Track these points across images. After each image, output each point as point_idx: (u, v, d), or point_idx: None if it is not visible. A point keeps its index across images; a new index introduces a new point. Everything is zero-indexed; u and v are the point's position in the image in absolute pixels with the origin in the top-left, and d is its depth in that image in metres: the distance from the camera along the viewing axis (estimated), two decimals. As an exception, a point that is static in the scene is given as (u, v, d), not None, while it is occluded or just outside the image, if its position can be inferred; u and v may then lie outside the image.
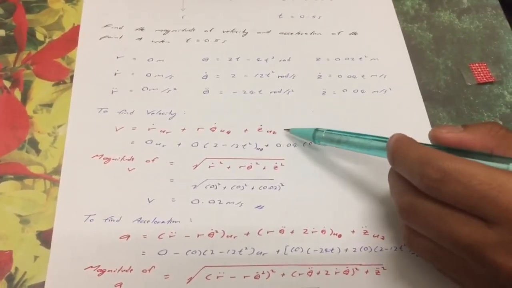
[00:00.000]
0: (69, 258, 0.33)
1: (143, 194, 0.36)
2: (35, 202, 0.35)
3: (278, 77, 0.42)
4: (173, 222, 0.35)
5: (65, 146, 0.37)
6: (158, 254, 0.34)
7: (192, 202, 0.36)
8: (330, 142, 0.36)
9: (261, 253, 0.34)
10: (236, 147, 0.38)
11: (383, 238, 0.35)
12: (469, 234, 0.26)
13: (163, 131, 0.39)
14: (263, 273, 0.34)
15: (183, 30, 0.44)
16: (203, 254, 0.34)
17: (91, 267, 0.33)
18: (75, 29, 0.43)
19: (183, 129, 0.39)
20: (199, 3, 0.46)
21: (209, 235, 0.35)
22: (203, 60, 0.43)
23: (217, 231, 0.35)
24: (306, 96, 0.42)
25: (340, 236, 0.35)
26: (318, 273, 0.34)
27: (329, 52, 0.44)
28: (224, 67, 0.43)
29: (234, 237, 0.35)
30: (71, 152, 0.37)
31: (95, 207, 0.35)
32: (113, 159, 0.37)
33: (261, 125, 0.40)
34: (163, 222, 0.35)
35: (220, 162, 0.38)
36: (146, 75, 0.41)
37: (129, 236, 0.34)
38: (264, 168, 0.38)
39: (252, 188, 0.37)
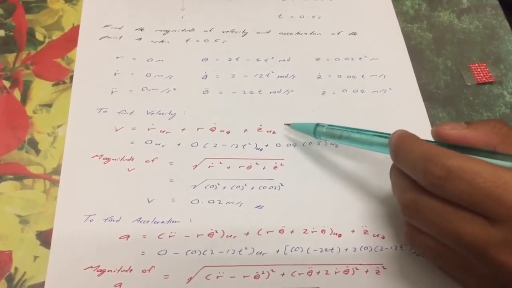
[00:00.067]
0: (69, 258, 0.33)
1: (142, 194, 0.36)
2: (35, 202, 0.35)
3: (278, 77, 0.42)
4: (172, 222, 0.35)
5: (65, 146, 0.37)
6: (158, 254, 0.34)
7: (191, 202, 0.36)
8: (331, 137, 0.36)
9: (261, 253, 0.34)
10: (236, 147, 0.38)
11: (383, 238, 0.35)
12: (472, 232, 0.26)
13: (163, 131, 0.39)
14: (263, 273, 0.34)
15: (182, 30, 0.44)
16: (203, 254, 0.34)
17: (91, 267, 0.33)
18: (75, 29, 0.43)
19: (182, 129, 0.39)
20: (199, 3, 0.46)
21: (208, 235, 0.35)
22: (202, 60, 0.43)
23: (216, 231, 0.35)
24: (306, 96, 0.42)
25: (340, 235, 0.35)
26: (318, 272, 0.34)
27: (328, 52, 0.44)
28: (224, 67, 0.43)
29: (233, 237, 0.35)
30: (70, 152, 0.37)
31: (95, 207, 0.35)
32: (112, 159, 0.37)
33: (260, 125, 0.40)
34: (162, 222, 0.35)
35: (220, 162, 0.38)
36: (146, 75, 0.41)
37: (128, 236, 0.34)
38: (264, 168, 0.38)
39: (252, 188, 0.37)
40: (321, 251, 0.35)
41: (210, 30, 0.45)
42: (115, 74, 0.41)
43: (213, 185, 0.37)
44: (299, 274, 0.34)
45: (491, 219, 0.25)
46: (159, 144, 0.38)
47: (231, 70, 0.42)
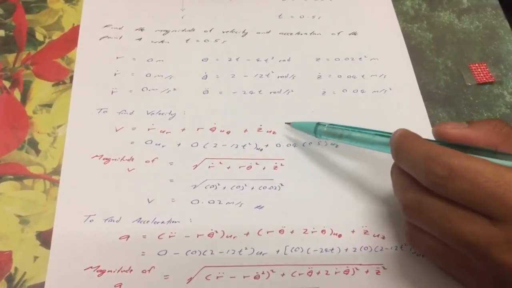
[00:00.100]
0: (69, 258, 0.33)
1: (143, 195, 0.36)
2: (35, 202, 0.35)
3: (278, 77, 0.42)
4: (173, 222, 0.35)
5: (65, 146, 0.37)
6: (158, 254, 0.34)
7: (192, 202, 0.36)
8: (331, 136, 0.36)
9: (261, 253, 0.34)
10: (236, 147, 0.38)
11: (383, 238, 0.35)
12: (474, 231, 0.26)
13: (163, 132, 0.39)
14: (263, 273, 0.34)
15: (183, 31, 0.44)
16: (203, 254, 0.34)
17: (91, 267, 0.33)
18: (75, 29, 0.43)
19: (182, 129, 0.39)
20: (199, 3, 0.46)
21: (209, 235, 0.35)
22: (202, 60, 0.43)
23: (217, 231, 0.35)
24: (306, 96, 0.42)
25: (340, 236, 0.35)
26: (318, 273, 0.34)
27: (329, 52, 0.44)
28: (224, 67, 0.43)
29: (234, 237, 0.35)
30: (70, 153, 0.37)
31: (95, 207, 0.35)
32: (113, 160, 0.37)
33: (260, 125, 0.40)
34: (163, 222, 0.35)
35: (220, 162, 0.38)
36: (146, 76, 0.41)
37: (129, 237, 0.34)
38: (264, 168, 0.38)
39: (252, 188, 0.37)
40: (321, 251, 0.35)
41: (210, 30, 0.45)
42: (115, 74, 0.41)
43: (213, 185, 0.37)
44: (299, 274, 0.34)
45: (493, 218, 0.25)
46: (159, 144, 0.38)
47: (231, 70, 0.42)
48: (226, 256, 0.34)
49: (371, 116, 0.41)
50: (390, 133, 0.32)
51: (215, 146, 0.38)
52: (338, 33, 0.46)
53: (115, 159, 0.37)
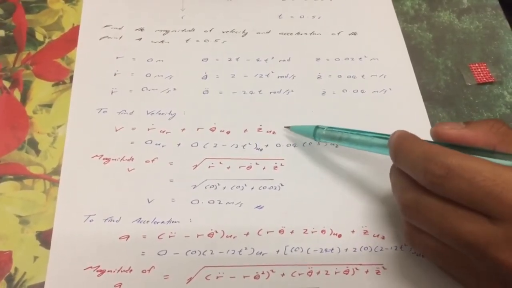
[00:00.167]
0: (68, 258, 0.33)
1: (142, 195, 0.36)
2: (35, 202, 0.35)
3: (278, 77, 0.42)
4: (172, 222, 0.35)
5: (65, 146, 0.37)
6: (158, 254, 0.34)
7: (191, 202, 0.36)
8: (331, 139, 0.36)
9: (261, 253, 0.34)
10: (236, 147, 0.38)
11: (383, 238, 0.35)
12: (473, 230, 0.26)
13: (163, 131, 0.39)
14: (263, 273, 0.34)
15: (182, 31, 0.44)
16: (203, 254, 0.34)
17: (91, 267, 0.33)
18: (75, 30, 0.43)
19: (182, 129, 0.39)
20: (199, 3, 0.46)
21: (208, 235, 0.35)
22: (202, 60, 0.43)
23: (216, 231, 0.35)
24: (306, 96, 0.42)
25: (340, 236, 0.35)
26: (318, 273, 0.34)
27: (329, 52, 0.44)
28: (224, 67, 0.43)
29: (233, 237, 0.35)
30: (70, 153, 0.37)
31: (94, 207, 0.35)
32: (112, 160, 0.37)
33: (260, 125, 0.40)
34: (162, 222, 0.35)
35: (220, 162, 0.38)
36: (146, 76, 0.41)
37: (128, 237, 0.34)
38: (264, 168, 0.38)
39: (252, 188, 0.37)
40: (321, 251, 0.35)
41: (210, 30, 0.45)
42: (115, 74, 0.41)
43: (213, 185, 0.37)
44: (299, 274, 0.34)
45: (491, 217, 0.25)
46: (159, 144, 0.38)
47: (231, 70, 0.42)
48: (226, 256, 0.34)
49: (371, 116, 0.41)
50: (388, 135, 0.32)
51: (215, 146, 0.38)
52: (338, 33, 0.46)
53: (115, 159, 0.37)
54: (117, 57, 0.42)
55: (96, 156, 0.37)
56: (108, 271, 0.33)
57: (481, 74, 0.44)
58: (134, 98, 0.40)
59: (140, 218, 0.35)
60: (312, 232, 0.35)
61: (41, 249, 0.34)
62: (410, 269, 0.34)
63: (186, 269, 0.33)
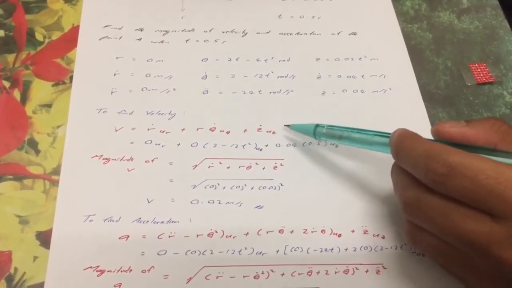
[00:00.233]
0: (68, 258, 0.33)
1: (142, 194, 0.36)
2: (35, 202, 0.35)
3: (278, 77, 0.42)
4: (172, 222, 0.35)
5: (65, 146, 0.37)
6: (158, 254, 0.34)
7: (191, 202, 0.36)
8: (331, 138, 0.36)
9: (260, 253, 0.34)
10: (236, 147, 0.38)
11: (383, 238, 0.35)
12: (475, 229, 0.26)
13: (163, 132, 0.39)
14: (262, 273, 0.34)
15: (182, 31, 0.44)
16: (203, 254, 0.34)
17: (91, 267, 0.33)
18: (75, 30, 0.43)
19: (182, 129, 0.39)
20: (199, 3, 0.46)
21: (208, 235, 0.35)
22: (202, 60, 0.43)
23: (216, 231, 0.35)
24: (306, 96, 0.42)
25: (340, 235, 0.35)
26: (318, 272, 0.34)
27: (328, 52, 0.44)
28: (224, 67, 0.43)
29: (233, 237, 0.35)
30: (70, 153, 0.37)
31: (94, 207, 0.35)
32: (112, 160, 0.37)
33: (260, 125, 0.40)
34: (162, 222, 0.35)
35: (220, 162, 0.38)
36: (146, 76, 0.41)
37: (128, 237, 0.34)
38: (263, 168, 0.38)
39: (252, 188, 0.37)
40: (321, 251, 0.35)
41: (210, 30, 0.45)
42: (115, 75, 0.41)
43: (213, 185, 0.37)
44: (299, 274, 0.34)
45: (494, 216, 0.25)
46: (159, 144, 0.38)
47: (231, 70, 0.42)
48: (225, 256, 0.34)
49: (371, 116, 0.41)
50: (389, 134, 0.32)
51: (214, 146, 0.38)
52: (338, 33, 0.46)
53: (115, 159, 0.37)
54: (117, 57, 0.42)
55: (96, 156, 0.37)
56: (108, 271, 0.33)
57: (481, 74, 0.44)
58: (134, 98, 0.40)
59: (140, 218, 0.35)
60: (312, 232, 0.35)
61: (41, 249, 0.34)
62: (410, 268, 0.34)
63: (185, 269, 0.33)
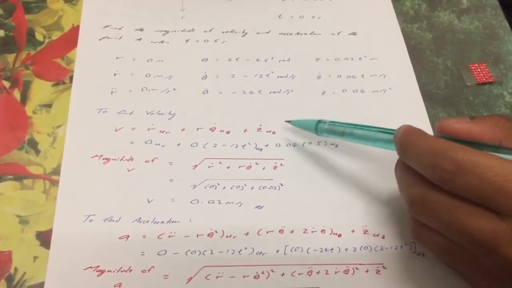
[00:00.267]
0: (68, 258, 0.33)
1: (142, 194, 0.36)
2: (35, 202, 0.35)
3: (278, 77, 0.42)
4: (172, 222, 0.35)
5: (65, 146, 0.37)
6: (158, 254, 0.34)
7: (191, 202, 0.36)
8: (333, 134, 0.36)
9: (260, 253, 0.34)
10: (236, 147, 0.38)
11: (383, 237, 0.35)
12: (481, 227, 0.26)
13: (163, 131, 0.39)
14: (262, 273, 0.34)
15: (182, 31, 0.44)
16: (203, 254, 0.34)
17: (91, 267, 0.33)
18: (75, 30, 0.43)
19: (182, 129, 0.39)
20: (199, 3, 0.46)
21: (208, 235, 0.35)
22: (202, 60, 0.43)
23: (216, 231, 0.35)
24: (306, 96, 0.42)
25: (340, 235, 0.35)
26: (318, 272, 0.34)
27: (328, 52, 0.44)
28: (224, 67, 0.43)
29: (233, 237, 0.35)
30: (70, 153, 0.37)
31: (94, 207, 0.35)
32: (112, 160, 0.37)
33: (260, 125, 0.40)
34: (162, 222, 0.35)
35: (220, 162, 0.38)
36: (146, 76, 0.41)
37: (128, 237, 0.34)
38: (263, 168, 0.38)
39: (252, 188, 0.37)
40: (321, 251, 0.35)
41: (210, 30, 0.45)
42: (115, 75, 0.41)
43: (213, 185, 0.37)
44: (299, 274, 0.34)
45: (501, 213, 0.25)
46: (159, 144, 0.38)
47: (231, 70, 0.42)
48: (225, 256, 0.34)
49: (371, 116, 0.41)
50: (393, 130, 0.32)
51: (214, 146, 0.38)
52: (338, 33, 0.46)
53: (115, 159, 0.37)
54: (117, 57, 0.42)
55: (96, 156, 0.37)
56: (108, 271, 0.33)
57: (481, 74, 0.44)
58: (134, 98, 0.40)
59: (140, 218, 0.35)
60: (312, 232, 0.35)
61: (41, 249, 0.34)
62: (410, 268, 0.34)
63: (186, 269, 0.33)
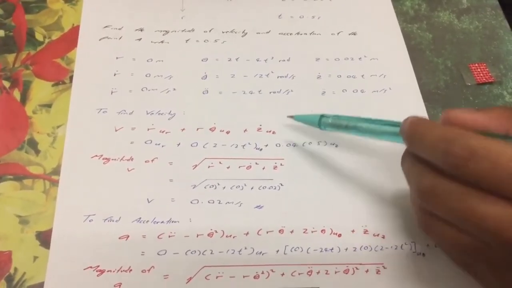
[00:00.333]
0: (68, 258, 0.33)
1: (142, 194, 0.36)
2: (35, 202, 0.35)
3: (278, 77, 0.42)
4: (172, 222, 0.35)
5: (65, 146, 0.37)
6: (158, 254, 0.34)
7: (191, 202, 0.36)
8: (336, 128, 0.35)
9: (260, 253, 0.34)
10: (236, 147, 0.38)
11: (383, 237, 0.35)
12: (493, 213, 0.25)
13: (163, 131, 0.39)
14: (262, 273, 0.34)
15: (182, 31, 0.44)
16: (203, 254, 0.34)
17: (91, 267, 0.33)
18: (75, 30, 0.43)
19: (182, 129, 0.39)
20: (199, 3, 0.46)
21: (208, 235, 0.35)
22: (202, 60, 0.43)
23: (216, 231, 0.35)
24: (306, 96, 0.42)
25: (340, 235, 0.35)
26: (318, 272, 0.34)
27: (328, 52, 0.44)
28: (224, 67, 0.43)
29: (233, 237, 0.35)
30: (70, 153, 0.37)
31: (94, 207, 0.35)
32: (112, 159, 0.37)
33: (260, 125, 0.40)
34: (162, 222, 0.35)
35: (220, 162, 0.38)
36: (146, 76, 0.41)
37: (128, 236, 0.34)
38: (263, 168, 0.38)
39: (252, 188, 0.37)
40: (321, 251, 0.35)
41: (210, 31, 0.45)
42: (114, 75, 0.41)
43: (213, 185, 0.37)
44: (299, 274, 0.34)
45: None
46: (158, 144, 0.38)
47: (231, 70, 0.42)
48: (225, 256, 0.34)
49: (371, 116, 0.40)
50: (399, 122, 0.31)
51: (214, 146, 0.38)
52: (338, 33, 0.46)
53: (115, 159, 0.37)
54: (117, 58, 0.42)
55: (96, 156, 0.37)
56: (108, 271, 0.33)
57: (481, 74, 0.44)
58: (133, 98, 0.40)
59: (140, 218, 0.35)
60: (312, 232, 0.35)
61: (40, 249, 0.34)
62: (410, 268, 0.34)
63: (185, 269, 0.33)
